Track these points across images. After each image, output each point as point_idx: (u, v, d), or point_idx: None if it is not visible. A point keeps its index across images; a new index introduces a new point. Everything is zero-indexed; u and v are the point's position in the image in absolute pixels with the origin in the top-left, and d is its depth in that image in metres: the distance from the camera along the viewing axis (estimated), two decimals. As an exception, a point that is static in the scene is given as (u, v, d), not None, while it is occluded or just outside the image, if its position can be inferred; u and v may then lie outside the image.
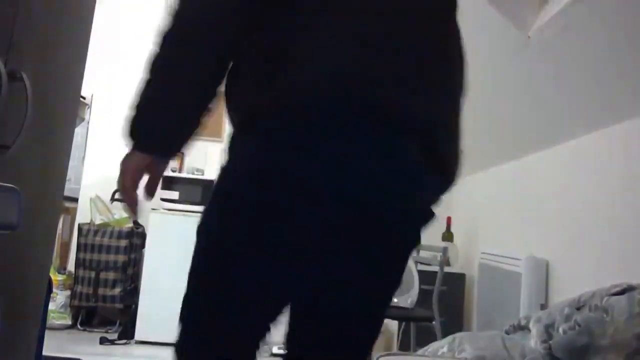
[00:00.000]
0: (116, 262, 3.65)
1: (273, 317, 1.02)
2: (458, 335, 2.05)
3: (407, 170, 0.96)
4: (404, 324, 3.26)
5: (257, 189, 0.95)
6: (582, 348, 1.65)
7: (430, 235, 3.57)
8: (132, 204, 1.05)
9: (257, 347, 1.05)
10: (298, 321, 1.11)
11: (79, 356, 2.85)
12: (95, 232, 3.67)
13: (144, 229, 3.85)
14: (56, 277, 3.66)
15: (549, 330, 1.82)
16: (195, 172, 3.82)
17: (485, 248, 3.21)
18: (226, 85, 1.01)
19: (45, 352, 1.71)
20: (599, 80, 2.09)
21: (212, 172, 3.79)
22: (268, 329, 1.03)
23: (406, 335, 3.15)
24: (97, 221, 3.75)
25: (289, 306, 1.09)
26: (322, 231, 0.97)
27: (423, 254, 3.26)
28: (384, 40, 0.94)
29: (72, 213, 4.04)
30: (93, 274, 3.62)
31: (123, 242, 3.68)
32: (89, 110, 4.21)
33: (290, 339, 1.12)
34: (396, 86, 0.93)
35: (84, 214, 3.90)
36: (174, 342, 1.03)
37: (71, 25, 1.23)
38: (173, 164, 3.79)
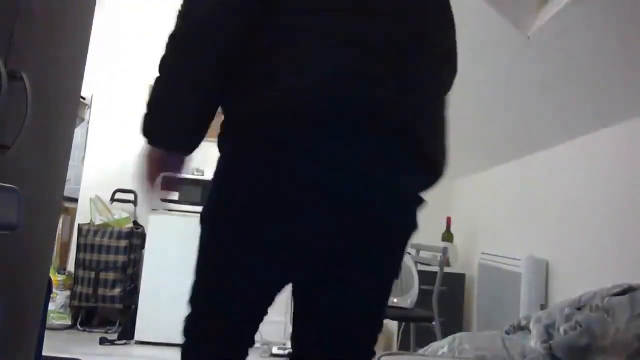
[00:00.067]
0: (116, 262, 3.65)
1: (255, 310, 1.06)
2: (458, 335, 2.05)
3: (392, 167, 0.97)
4: (404, 324, 3.26)
5: (253, 187, 0.96)
6: (583, 348, 1.65)
7: (431, 235, 3.59)
8: (148, 193, 1.09)
9: (250, 341, 1.07)
10: (300, 321, 1.11)
11: (79, 356, 2.85)
12: (95, 233, 3.67)
13: (144, 229, 3.85)
14: (56, 278, 3.65)
15: (549, 330, 1.82)
16: (196, 173, 3.82)
17: (485, 248, 3.21)
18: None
19: (45, 353, 1.71)
20: (599, 81, 2.09)
21: (212, 173, 3.77)
22: (255, 322, 1.06)
23: (406, 335, 3.15)
24: (97, 221, 3.75)
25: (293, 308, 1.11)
26: (319, 229, 0.98)
27: (423, 254, 3.26)
28: (368, 43, 0.95)
29: (72, 213, 4.04)
30: (93, 275, 3.62)
31: (123, 243, 3.67)
32: (89, 110, 4.21)
33: (295, 339, 1.13)
34: (381, 88, 0.94)
35: (84, 214, 3.90)
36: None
37: (71, 25, 1.23)
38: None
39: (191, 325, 1.07)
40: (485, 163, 3.49)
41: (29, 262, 1.15)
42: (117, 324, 3.67)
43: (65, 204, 3.78)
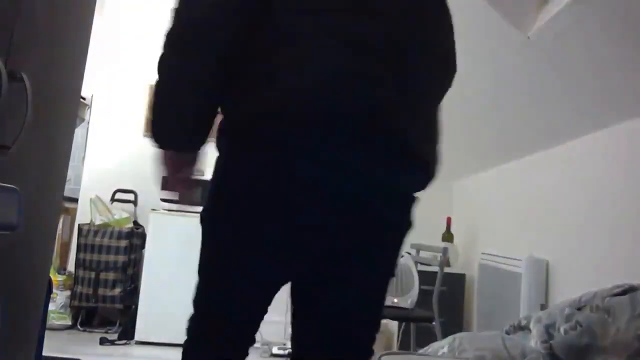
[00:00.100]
0: (116, 262, 3.65)
1: (254, 308, 1.06)
2: (458, 335, 2.05)
3: (391, 167, 0.98)
4: (404, 324, 3.26)
5: (253, 187, 0.97)
6: (584, 348, 1.65)
7: (431, 235, 3.59)
8: (181, 190, 1.11)
9: (250, 341, 1.08)
10: (300, 321, 1.11)
11: (79, 356, 2.85)
12: (95, 233, 3.67)
13: (144, 229, 3.85)
14: (56, 278, 3.65)
15: (549, 330, 1.82)
16: (196, 173, 3.83)
17: (485, 248, 3.21)
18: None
19: (45, 353, 1.71)
20: (599, 81, 2.09)
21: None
22: (255, 321, 1.07)
23: (406, 335, 3.15)
24: (97, 221, 3.74)
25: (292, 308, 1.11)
26: (319, 229, 0.98)
27: (423, 254, 3.26)
28: (368, 43, 0.95)
29: (72, 213, 4.04)
30: (93, 275, 3.62)
31: (123, 243, 3.67)
32: (89, 110, 4.21)
33: (294, 339, 1.13)
34: (381, 88, 0.94)
35: (84, 214, 3.90)
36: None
37: (71, 25, 1.23)
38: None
39: (192, 325, 1.08)
40: (485, 163, 3.49)
41: (29, 262, 1.15)
42: (117, 324, 3.67)
43: (65, 204, 3.78)
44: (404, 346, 3.19)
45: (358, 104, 0.93)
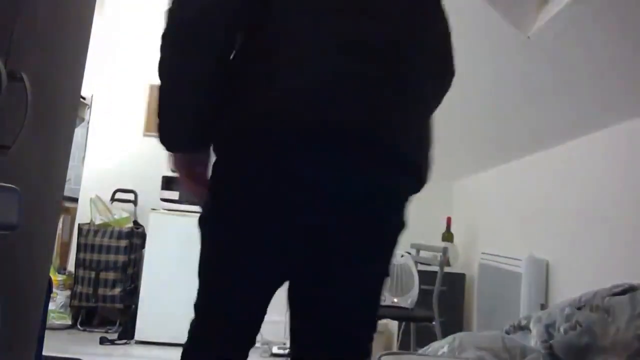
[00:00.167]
0: (116, 262, 3.65)
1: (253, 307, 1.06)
2: (458, 335, 2.05)
3: (389, 168, 0.98)
4: (404, 324, 3.26)
5: (252, 187, 0.97)
6: (584, 348, 1.65)
7: (431, 235, 3.59)
8: (196, 196, 1.09)
9: (251, 341, 1.08)
10: (300, 321, 1.11)
11: (79, 356, 2.85)
12: (95, 232, 3.67)
13: (144, 229, 3.85)
14: (56, 277, 3.65)
15: (549, 330, 1.82)
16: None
17: (485, 248, 3.21)
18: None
19: (45, 352, 1.71)
20: (599, 81, 2.09)
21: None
22: (255, 322, 1.07)
23: (406, 335, 3.15)
24: (97, 221, 3.75)
25: (289, 309, 1.11)
26: (318, 229, 0.99)
27: (423, 254, 3.26)
28: (367, 43, 0.95)
29: (72, 213, 4.04)
30: (93, 274, 3.62)
31: (123, 242, 3.68)
32: (89, 110, 4.21)
33: (293, 340, 1.13)
34: (379, 89, 0.95)
35: (84, 214, 3.90)
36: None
37: (71, 26, 1.23)
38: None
39: (193, 327, 1.08)
40: (485, 163, 3.49)
41: (29, 262, 1.15)
42: (117, 323, 3.67)
43: (65, 204, 3.78)
44: (404, 346, 3.19)
45: (356, 105, 0.93)
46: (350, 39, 0.94)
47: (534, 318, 1.95)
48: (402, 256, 2.88)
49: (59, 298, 3.63)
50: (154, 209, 3.63)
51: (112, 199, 3.99)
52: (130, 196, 4.04)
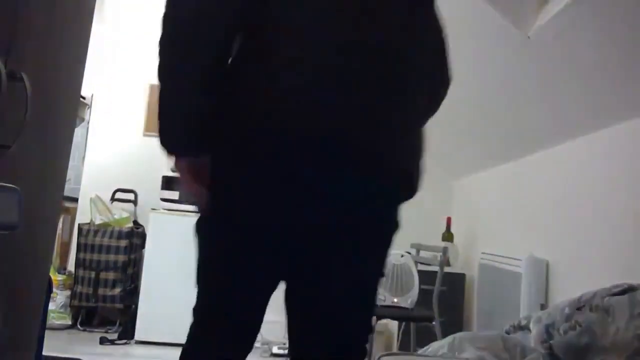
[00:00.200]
0: (116, 262, 3.65)
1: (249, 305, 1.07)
2: (458, 335, 2.05)
3: (371, 179, 0.99)
4: (404, 324, 3.26)
5: (252, 187, 0.97)
6: (583, 348, 1.65)
7: (431, 235, 3.59)
8: (196, 199, 1.08)
9: (250, 342, 1.08)
10: (299, 321, 1.12)
11: (79, 356, 2.85)
12: (95, 232, 3.67)
13: (144, 229, 3.85)
14: (56, 277, 3.65)
15: (549, 330, 1.82)
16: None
17: (485, 248, 3.21)
18: None
19: (45, 352, 1.71)
20: (599, 81, 2.09)
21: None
22: (255, 322, 1.07)
23: (406, 335, 3.15)
24: (97, 221, 3.75)
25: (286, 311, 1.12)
26: (318, 229, 0.99)
27: (423, 254, 3.26)
28: (367, 44, 0.96)
29: (72, 213, 4.04)
30: (93, 274, 3.62)
31: (123, 242, 3.67)
32: (89, 110, 4.21)
33: (292, 340, 1.13)
34: (377, 89, 0.96)
35: (84, 214, 3.90)
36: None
37: (71, 25, 1.23)
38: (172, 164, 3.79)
39: (193, 326, 1.08)
40: (485, 163, 3.49)
41: (29, 262, 1.15)
42: (117, 323, 3.67)
43: (65, 204, 3.78)
44: (404, 346, 3.19)
45: (355, 104, 0.93)
46: (350, 39, 0.94)
47: (534, 318, 1.95)
48: (402, 256, 2.88)
49: (59, 298, 3.63)
50: (154, 209, 3.63)
51: (112, 199, 3.99)
52: (130, 196, 4.04)
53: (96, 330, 3.67)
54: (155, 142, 1.08)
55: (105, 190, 3.95)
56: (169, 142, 1.03)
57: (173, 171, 1.11)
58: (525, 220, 2.89)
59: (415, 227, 3.41)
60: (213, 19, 0.95)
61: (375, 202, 1.01)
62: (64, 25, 1.18)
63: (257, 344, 1.41)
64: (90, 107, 4.20)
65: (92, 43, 1.36)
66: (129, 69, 4.13)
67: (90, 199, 3.82)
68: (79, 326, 3.69)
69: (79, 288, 3.62)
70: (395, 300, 2.78)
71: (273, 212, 0.97)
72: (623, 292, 1.68)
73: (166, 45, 0.97)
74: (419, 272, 2.92)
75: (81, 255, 3.65)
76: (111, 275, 3.63)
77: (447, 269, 3.07)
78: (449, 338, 2.03)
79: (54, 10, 1.10)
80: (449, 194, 4.13)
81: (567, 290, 2.30)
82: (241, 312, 1.06)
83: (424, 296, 2.85)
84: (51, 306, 3.43)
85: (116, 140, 4.12)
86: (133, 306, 3.61)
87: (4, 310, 0.96)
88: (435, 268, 2.92)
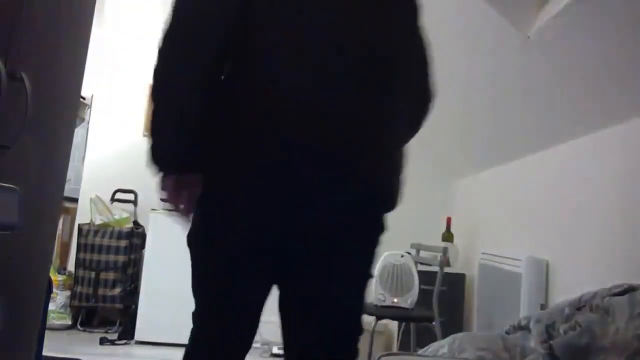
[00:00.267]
0: (116, 262, 3.65)
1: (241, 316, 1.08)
2: (458, 335, 2.05)
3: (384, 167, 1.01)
4: (404, 324, 3.26)
5: (251, 187, 0.98)
6: (583, 348, 1.65)
7: (431, 235, 3.59)
8: (181, 215, 1.09)
9: (249, 342, 1.08)
10: (299, 322, 1.12)
11: (79, 356, 2.85)
12: (95, 233, 3.67)
13: (144, 229, 3.85)
14: (56, 277, 3.65)
15: (549, 330, 1.82)
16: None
17: (485, 248, 3.21)
18: None
19: (45, 353, 1.71)
20: (599, 81, 2.09)
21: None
22: (254, 322, 1.09)
23: (406, 335, 3.15)
24: (97, 221, 3.75)
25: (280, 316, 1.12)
26: (318, 229, 1.00)
27: (423, 254, 3.26)
28: (368, 44, 0.97)
29: (72, 213, 4.04)
30: (93, 274, 3.62)
31: (123, 243, 3.67)
32: (89, 110, 4.21)
33: (285, 341, 1.14)
34: (368, 91, 0.98)
35: (84, 214, 3.90)
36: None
37: (71, 26, 1.23)
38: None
39: (193, 330, 1.09)
40: (485, 163, 3.49)
41: (29, 262, 1.15)
42: (117, 323, 3.67)
43: (65, 204, 3.78)
44: (404, 346, 3.19)
45: (354, 104, 0.94)
46: (344, 41, 0.95)
47: (534, 318, 1.95)
48: (402, 256, 2.88)
49: (59, 298, 3.63)
50: (154, 209, 3.63)
51: (112, 199, 3.99)
52: (130, 196, 4.04)
53: (96, 330, 3.67)
54: (154, 142, 1.08)
55: (105, 190, 3.95)
56: (161, 159, 1.03)
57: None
58: (525, 220, 2.89)
59: (415, 227, 3.41)
60: (213, 19, 0.95)
61: (358, 207, 1.02)
62: (64, 25, 1.18)
63: (257, 344, 1.42)
64: (90, 107, 4.20)
65: (92, 44, 1.37)
66: (128, 70, 4.13)
67: (90, 199, 3.82)
68: (79, 326, 3.69)
69: (79, 288, 3.62)
70: (395, 300, 2.78)
71: (276, 212, 0.97)
72: (623, 292, 1.68)
73: (167, 43, 0.97)
74: (419, 272, 2.92)
75: (81, 255, 3.65)
76: (111, 276, 3.63)
77: (447, 269, 3.07)
78: (449, 338, 2.03)
79: (54, 10, 1.10)
80: (449, 194, 4.13)
81: (567, 290, 2.30)
82: (242, 312, 1.06)
83: (424, 296, 2.85)
84: (51, 306, 3.43)
85: (116, 140, 4.12)
86: (133, 306, 3.61)
87: (4, 311, 0.96)
88: (435, 268, 2.92)
